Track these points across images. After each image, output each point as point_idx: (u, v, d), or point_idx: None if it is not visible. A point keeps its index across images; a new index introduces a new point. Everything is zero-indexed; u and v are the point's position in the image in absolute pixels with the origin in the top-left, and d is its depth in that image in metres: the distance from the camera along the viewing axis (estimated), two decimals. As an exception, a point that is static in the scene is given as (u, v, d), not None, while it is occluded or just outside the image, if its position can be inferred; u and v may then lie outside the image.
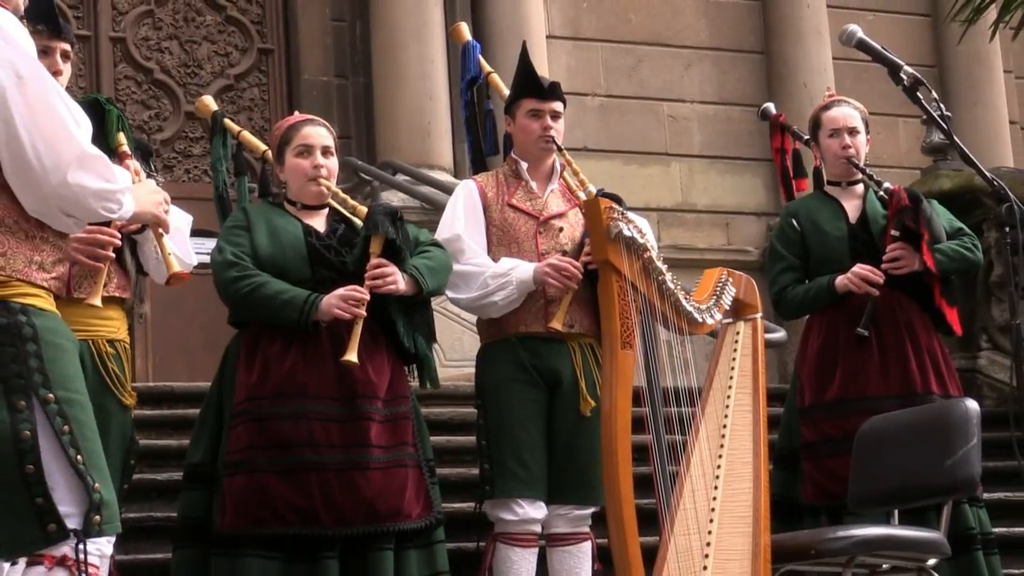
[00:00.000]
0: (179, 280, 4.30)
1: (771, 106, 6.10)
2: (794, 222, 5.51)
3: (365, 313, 4.54)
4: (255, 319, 4.64)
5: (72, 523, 3.11)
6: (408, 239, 4.72)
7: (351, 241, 4.72)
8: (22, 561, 3.26)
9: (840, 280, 5.33)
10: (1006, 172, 8.45)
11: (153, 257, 4.61)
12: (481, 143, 5.48)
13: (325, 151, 4.79)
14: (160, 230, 4.09)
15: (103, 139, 4.44)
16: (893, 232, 5.30)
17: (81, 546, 3.13)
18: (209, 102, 5.39)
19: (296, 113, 5.07)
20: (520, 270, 4.88)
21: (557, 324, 4.85)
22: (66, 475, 3.12)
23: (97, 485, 3.15)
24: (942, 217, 5.46)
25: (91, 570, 3.16)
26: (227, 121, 5.32)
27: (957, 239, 5.44)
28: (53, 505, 3.09)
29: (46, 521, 3.10)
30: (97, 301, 4.29)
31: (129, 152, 4.59)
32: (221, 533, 4.51)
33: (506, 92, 5.28)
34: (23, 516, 3.10)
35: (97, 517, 3.14)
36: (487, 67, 5.62)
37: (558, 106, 5.08)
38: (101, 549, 3.27)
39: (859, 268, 5.31)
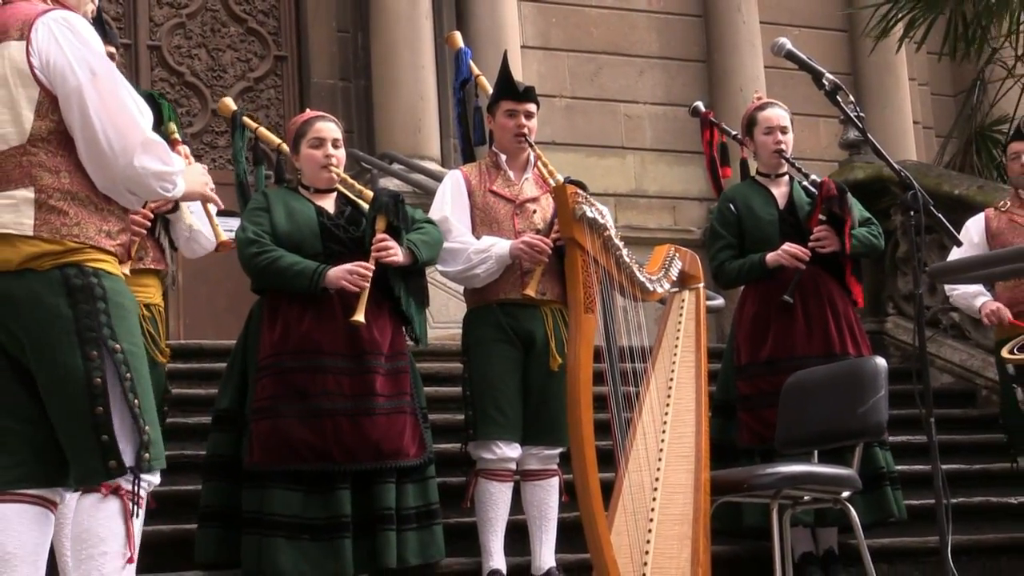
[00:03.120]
0: (225, 247, 4.30)
1: (700, 104, 6.05)
2: (731, 206, 5.52)
3: (368, 285, 4.55)
4: (273, 287, 4.64)
5: (127, 460, 3.11)
6: (407, 218, 4.73)
7: (357, 220, 4.73)
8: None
9: (771, 256, 5.34)
10: (911, 164, 8.48)
11: (184, 234, 4.60)
12: (471, 134, 5.47)
13: (335, 143, 4.78)
14: (209, 205, 4.08)
15: (158, 128, 4.42)
16: (820, 216, 5.32)
17: (138, 481, 3.13)
18: (229, 103, 5.35)
19: (309, 110, 5.05)
20: (498, 247, 4.88)
21: (531, 291, 4.85)
22: (125, 418, 3.12)
23: (147, 428, 3.15)
24: (855, 207, 5.49)
25: (140, 500, 3.16)
26: (245, 119, 5.28)
27: (866, 227, 5.46)
28: (116, 443, 3.10)
29: (108, 457, 3.09)
30: (126, 269, 4.28)
31: (180, 139, 4.57)
32: (250, 470, 4.52)
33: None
34: (90, 452, 3.10)
35: (147, 455, 3.14)
36: (476, 70, 5.59)
37: (532, 107, 5.06)
38: (151, 482, 3.28)
39: (788, 246, 5.32)
